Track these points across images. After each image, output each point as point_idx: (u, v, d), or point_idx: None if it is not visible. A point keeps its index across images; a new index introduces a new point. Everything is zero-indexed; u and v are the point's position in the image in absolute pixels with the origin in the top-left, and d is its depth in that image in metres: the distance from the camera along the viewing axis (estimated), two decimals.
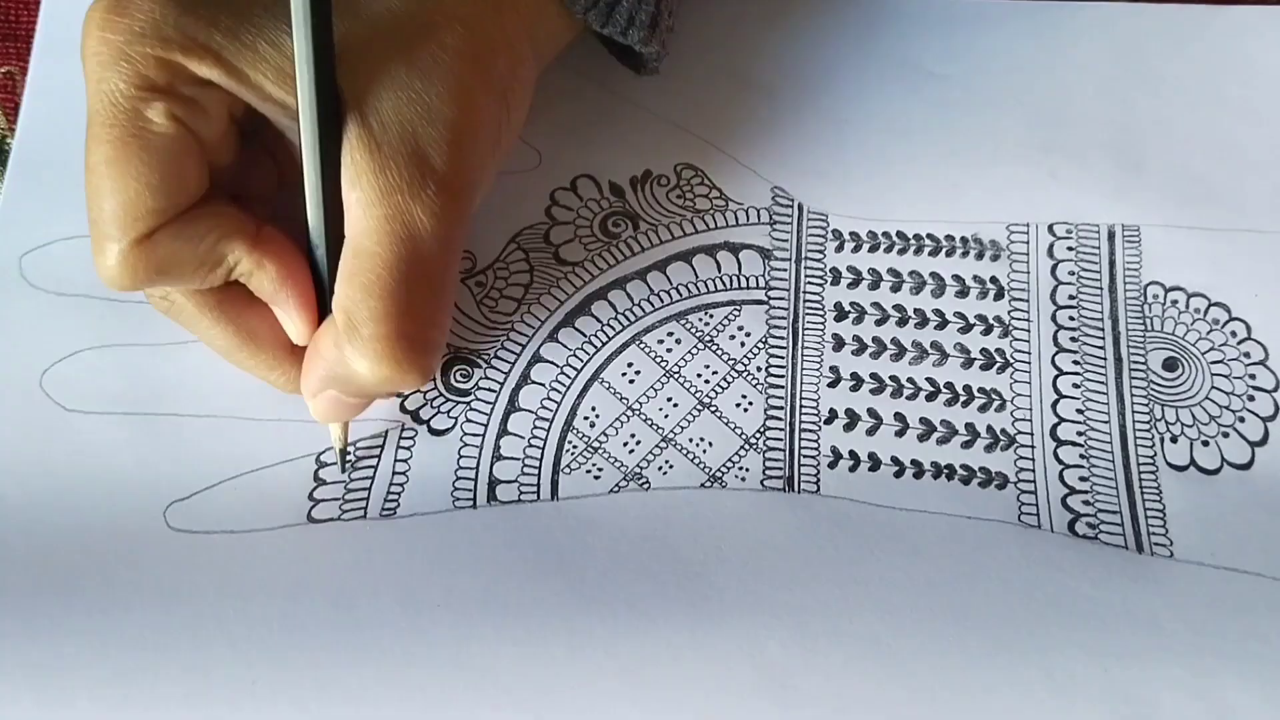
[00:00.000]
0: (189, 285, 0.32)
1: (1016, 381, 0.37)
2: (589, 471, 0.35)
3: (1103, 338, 0.38)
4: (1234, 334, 0.38)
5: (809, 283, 0.38)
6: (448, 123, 0.30)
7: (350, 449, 0.35)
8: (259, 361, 0.34)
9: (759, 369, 0.37)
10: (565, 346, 0.37)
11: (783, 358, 0.37)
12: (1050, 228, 0.39)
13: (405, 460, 0.35)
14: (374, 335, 0.30)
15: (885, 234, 0.39)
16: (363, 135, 0.29)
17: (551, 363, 0.37)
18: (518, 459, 0.35)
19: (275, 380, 0.34)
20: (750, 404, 0.37)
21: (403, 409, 0.36)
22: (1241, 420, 0.37)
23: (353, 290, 0.30)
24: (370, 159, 0.29)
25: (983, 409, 0.37)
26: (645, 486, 0.35)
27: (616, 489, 0.35)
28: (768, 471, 0.36)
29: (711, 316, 0.38)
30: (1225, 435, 0.36)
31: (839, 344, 0.38)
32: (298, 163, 0.30)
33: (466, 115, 0.31)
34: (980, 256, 0.39)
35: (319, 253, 0.32)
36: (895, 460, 0.36)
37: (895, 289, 0.38)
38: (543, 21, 0.35)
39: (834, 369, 0.37)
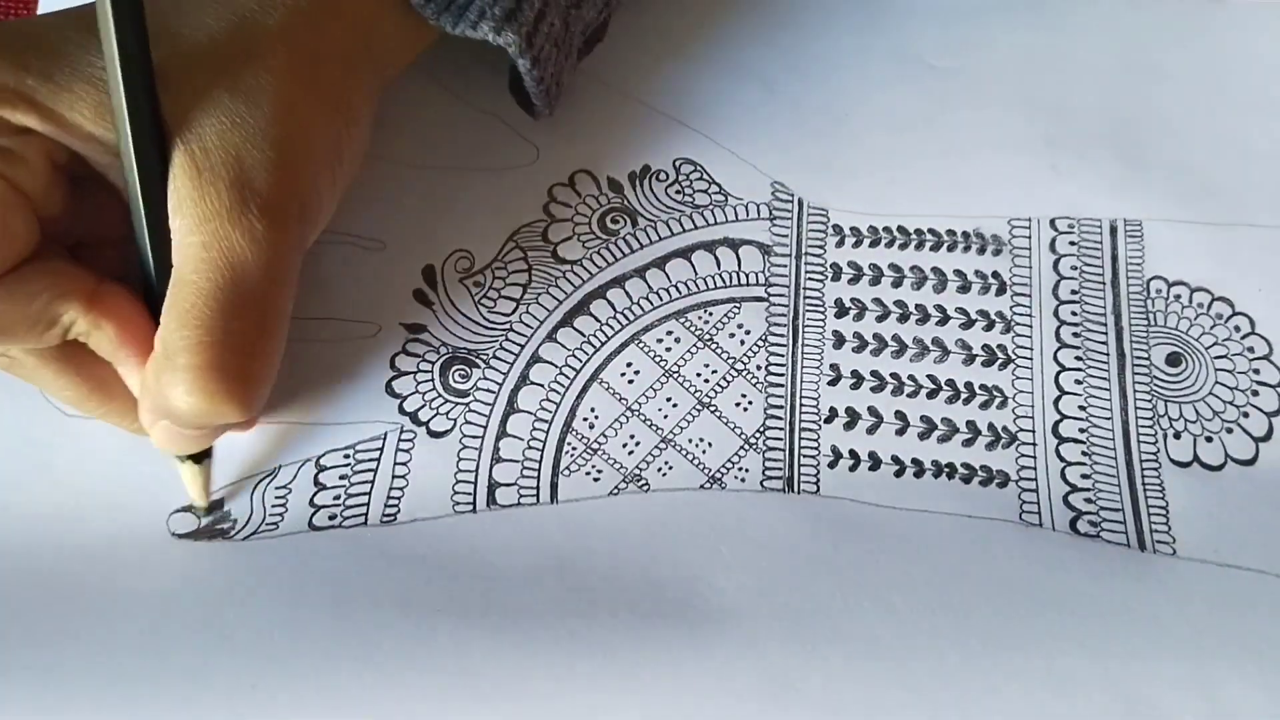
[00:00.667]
0: (24, 345, 0.31)
1: (1018, 378, 0.37)
2: (588, 473, 0.35)
3: (1105, 333, 0.37)
4: (1237, 329, 0.37)
5: (809, 279, 0.38)
6: (274, 143, 0.29)
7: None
8: (110, 410, 0.33)
9: (759, 367, 0.37)
10: (564, 346, 0.37)
11: (782, 355, 0.37)
12: (1052, 222, 0.38)
13: (405, 464, 0.35)
14: (187, 365, 0.29)
15: (886, 229, 0.39)
16: (184, 162, 0.28)
17: (550, 363, 0.37)
18: (517, 461, 0.35)
19: (130, 427, 0.33)
20: (750, 403, 0.36)
21: (401, 410, 0.36)
22: (1245, 415, 0.36)
23: (169, 319, 0.29)
24: (191, 184, 0.28)
25: (984, 406, 0.36)
26: (645, 488, 0.35)
27: (616, 491, 0.35)
28: (767, 472, 0.35)
29: (711, 314, 0.38)
30: (1229, 431, 0.36)
31: (839, 341, 0.37)
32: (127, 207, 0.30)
33: (295, 135, 0.30)
34: (982, 251, 0.38)
35: (151, 285, 0.30)
36: (896, 459, 0.36)
37: (896, 284, 0.38)
38: (380, 29, 0.33)
39: (834, 366, 0.37)
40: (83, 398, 0.33)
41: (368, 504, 0.34)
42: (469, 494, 0.35)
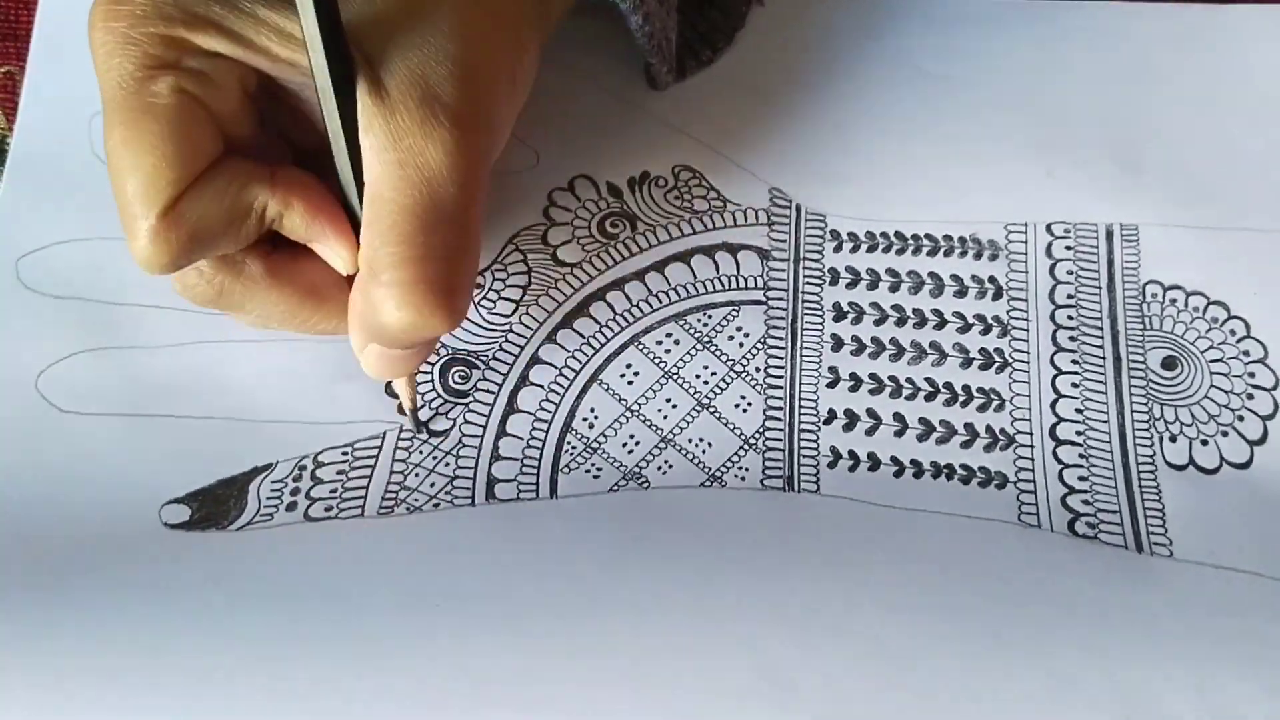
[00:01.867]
0: (225, 247, 0.32)
1: (1015, 381, 0.37)
2: (588, 471, 0.35)
3: (1101, 337, 0.37)
4: (1233, 332, 0.37)
5: (807, 283, 0.38)
6: (455, 60, 0.30)
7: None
8: (326, 313, 0.34)
9: (758, 369, 0.37)
10: (563, 348, 0.37)
11: (781, 358, 0.37)
12: (1048, 227, 0.39)
13: (403, 460, 0.35)
14: (393, 281, 0.30)
15: (884, 234, 0.39)
16: (371, 82, 0.29)
17: (550, 364, 0.37)
18: (516, 459, 0.35)
19: (344, 330, 0.34)
20: (749, 405, 0.36)
21: (400, 410, 0.36)
22: (1240, 419, 0.36)
23: (371, 237, 0.30)
24: (379, 104, 0.29)
25: (982, 409, 0.37)
26: (645, 486, 0.35)
27: (616, 488, 0.35)
28: (767, 471, 0.35)
29: (710, 317, 0.38)
30: (1224, 434, 0.36)
31: (838, 344, 0.37)
32: (319, 128, 0.31)
33: (475, 52, 0.31)
34: (979, 256, 0.39)
35: (352, 204, 0.32)
36: (895, 460, 0.36)
37: (894, 289, 0.38)
38: None
39: (833, 369, 0.37)
40: (296, 308, 0.33)
41: (364, 498, 0.34)
42: (467, 489, 0.35)
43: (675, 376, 0.37)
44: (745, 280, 0.38)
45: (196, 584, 0.32)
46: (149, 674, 0.31)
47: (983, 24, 0.42)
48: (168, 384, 0.36)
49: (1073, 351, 0.37)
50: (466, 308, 0.31)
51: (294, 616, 0.32)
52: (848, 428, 0.36)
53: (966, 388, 0.37)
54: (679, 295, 0.38)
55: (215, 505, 0.34)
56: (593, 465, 0.35)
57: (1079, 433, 0.36)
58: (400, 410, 0.36)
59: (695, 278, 0.38)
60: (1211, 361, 0.37)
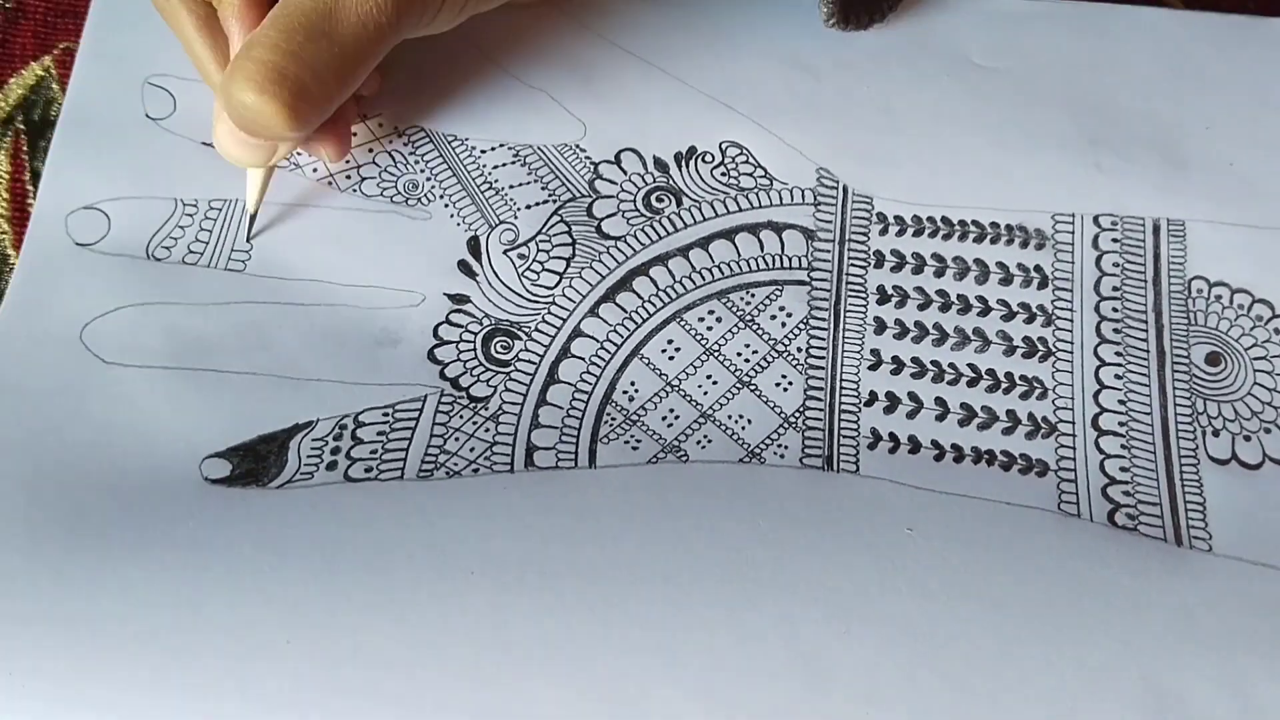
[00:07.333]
0: None
1: (1058, 370, 0.37)
2: (627, 442, 0.35)
3: (1145, 330, 0.37)
4: (1277, 331, 0.37)
5: (852, 265, 0.38)
6: None
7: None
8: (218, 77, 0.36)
9: (799, 350, 0.37)
10: (606, 322, 0.37)
11: (823, 339, 0.37)
12: (1095, 219, 0.39)
13: (443, 424, 0.35)
14: (255, 58, 0.31)
15: (930, 219, 0.39)
16: None
17: (592, 337, 0.37)
18: (556, 427, 0.35)
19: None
20: (790, 384, 0.36)
21: (442, 376, 0.36)
22: None
23: (266, 19, 0.32)
24: None
25: (1024, 396, 0.36)
26: (684, 459, 0.35)
27: (655, 460, 0.35)
28: (807, 450, 0.35)
29: (753, 296, 0.38)
30: (1267, 431, 0.36)
31: (880, 327, 0.37)
32: None
33: None
34: (1025, 245, 0.38)
35: None
36: (935, 444, 0.36)
37: (939, 274, 0.38)
38: None
39: (875, 352, 0.37)
40: (205, 59, 0.36)
41: (404, 459, 0.34)
42: (507, 456, 0.35)
43: (716, 353, 0.37)
44: (789, 260, 0.38)
45: (236, 542, 0.32)
46: (187, 631, 0.31)
47: (1033, 22, 0.42)
48: (211, 341, 0.36)
49: (1117, 343, 0.37)
50: (309, 125, 0.33)
51: (331, 578, 0.32)
52: (889, 410, 0.36)
53: (1009, 375, 0.37)
54: (723, 273, 0.38)
55: (256, 461, 0.34)
56: (632, 437, 0.35)
57: (1121, 424, 0.36)
58: (442, 376, 0.36)
59: (739, 256, 0.38)
60: (1255, 359, 0.37)
